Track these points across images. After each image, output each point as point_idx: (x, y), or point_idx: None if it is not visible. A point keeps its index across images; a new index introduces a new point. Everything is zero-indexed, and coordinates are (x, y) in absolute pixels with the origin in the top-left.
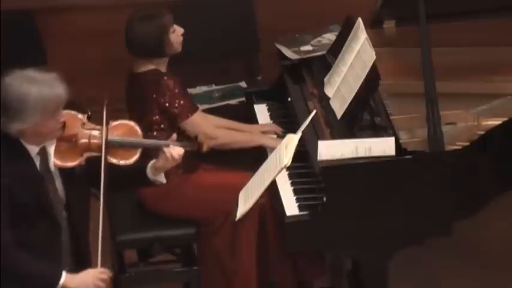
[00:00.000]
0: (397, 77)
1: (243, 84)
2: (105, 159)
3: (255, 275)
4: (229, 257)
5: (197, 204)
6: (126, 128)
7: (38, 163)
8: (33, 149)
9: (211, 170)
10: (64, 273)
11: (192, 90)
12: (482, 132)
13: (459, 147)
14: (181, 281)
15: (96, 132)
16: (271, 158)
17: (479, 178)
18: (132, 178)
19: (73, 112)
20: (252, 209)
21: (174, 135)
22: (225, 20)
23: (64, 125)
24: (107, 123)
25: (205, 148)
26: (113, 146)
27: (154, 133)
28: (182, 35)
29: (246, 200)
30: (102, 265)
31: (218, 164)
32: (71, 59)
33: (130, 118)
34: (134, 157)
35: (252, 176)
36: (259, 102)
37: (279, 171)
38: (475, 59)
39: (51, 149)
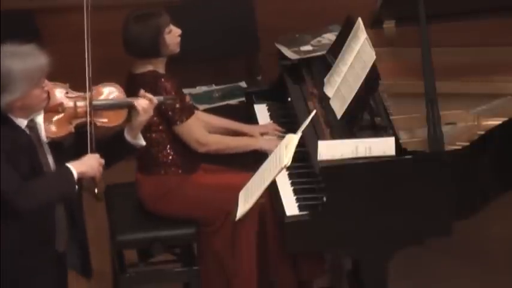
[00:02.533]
0: (397, 77)
1: (243, 84)
2: (91, 123)
3: (255, 275)
4: (229, 257)
5: (197, 204)
6: (109, 89)
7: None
8: (22, 122)
9: (211, 170)
10: (70, 165)
11: (192, 90)
12: (482, 132)
13: (459, 147)
14: (181, 281)
15: (80, 99)
16: (271, 158)
17: (479, 178)
18: (112, 146)
19: (55, 83)
20: (252, 209)
21: (142, 91)
22: (225, 20)
23: (49, 96)
24: (91, 89)
25: (188, 99)
26: (98, 109)
27: (153, 134)
28: (179, 35)
29: (246, 200)
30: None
31: (218, 164)
32: (71, 59)
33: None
34: (123, 117)
35: (252, 176)
36: (259, 102)
37: (279, 171)
38: (475, 59)
39: (40, 119)
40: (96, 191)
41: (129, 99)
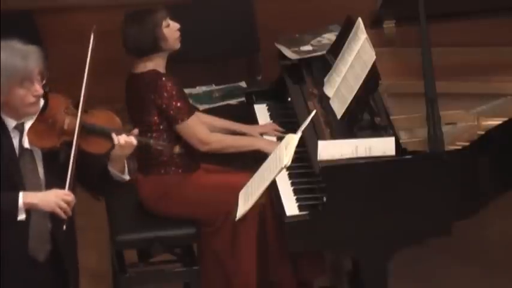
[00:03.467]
0: (397, 77)
1: (243, 84)
2: (77, 144)
3: (255, 275)
4: (229, 257)
5: (197, 204)
6: (105, 117)
7: (16, 139)
8: (11, 122)
9: (212, 170)
10: (21, 193)
11: (192, 90)
12: (482, 132)
13: (459, 147)
14: (181, 281)
15: (74, 118)
16: (271, 158)
17: (479, 178)
18: (96, 175)
19: (59, 95)
20: (252, 209)
21: (136, 130)
22: (225, 20)
23: (46, 105)
24: (86, 111)
25: (177, 150)
26: (87, 133)
27: (154, 134)
28: (179, 30)
29: (246, 200)
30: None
31: (218, 164)
32: (71, 59)
33: (131, 119)
34: (107, 148)
35: (252, 176)
36: (259, 102)
37: (279, 171)
38: (475, 59)
39: (27, 126)
40: (64, 227)
41: (109, 128)
